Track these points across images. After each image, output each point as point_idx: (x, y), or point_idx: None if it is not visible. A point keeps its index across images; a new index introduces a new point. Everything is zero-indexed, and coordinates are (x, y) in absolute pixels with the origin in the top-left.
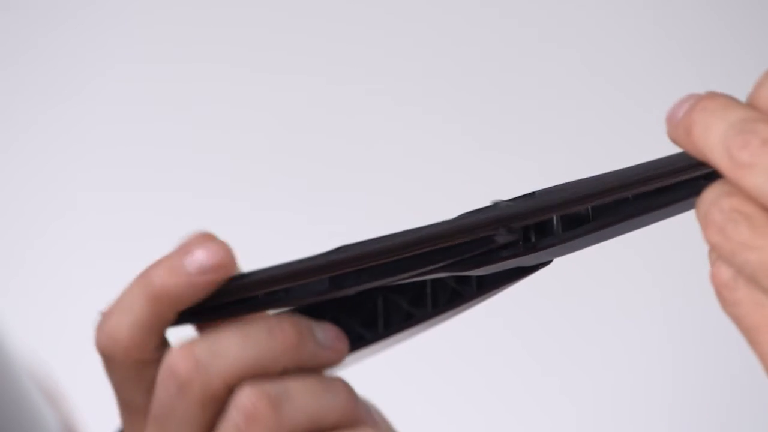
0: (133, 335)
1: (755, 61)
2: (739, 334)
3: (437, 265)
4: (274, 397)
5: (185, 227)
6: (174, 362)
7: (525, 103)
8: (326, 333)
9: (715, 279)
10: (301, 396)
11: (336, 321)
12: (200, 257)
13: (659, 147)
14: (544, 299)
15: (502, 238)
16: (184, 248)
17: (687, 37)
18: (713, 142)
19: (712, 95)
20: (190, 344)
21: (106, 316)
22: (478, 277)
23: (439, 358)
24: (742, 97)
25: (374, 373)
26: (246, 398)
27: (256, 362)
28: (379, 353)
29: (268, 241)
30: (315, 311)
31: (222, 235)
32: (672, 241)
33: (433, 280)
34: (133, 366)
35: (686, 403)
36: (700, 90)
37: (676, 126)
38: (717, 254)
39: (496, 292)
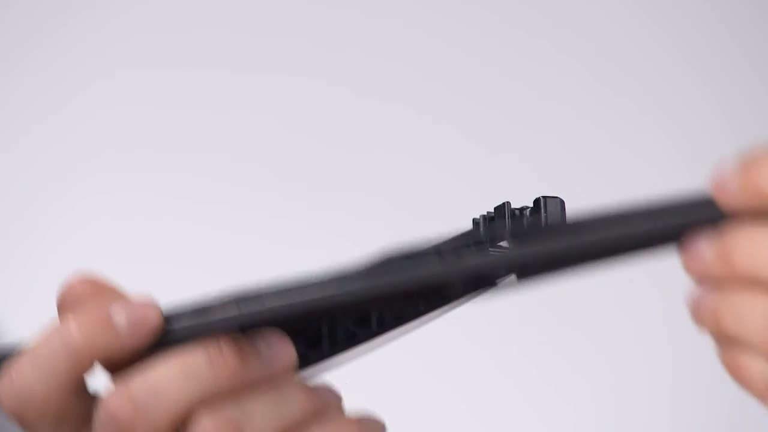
0: (49, 392)
1: (755, 62)
2: None
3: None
4: (236, 421)
5: (185, 229)
6: (111, 407)
7: (526, 106)
8: (270, 345)
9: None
10: (261, 412)
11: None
12: (129, 312)
13: (658, 148)
14: (542, 302)
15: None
16: (110, 301)
17: (687, 39)
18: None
19: None
20: (125, 384)
21: (14, 373)
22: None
23: (440, 363)
24: (741, 99)
25: (374, 374)
26: (208, 428)
27: (202, 394)
28: (367, 354)
29: (268, 243)
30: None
31: (222, 238)
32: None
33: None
34: (51, 419)
35: (686, 404)
36: (700, 95)
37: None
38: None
39: (458, 305)
